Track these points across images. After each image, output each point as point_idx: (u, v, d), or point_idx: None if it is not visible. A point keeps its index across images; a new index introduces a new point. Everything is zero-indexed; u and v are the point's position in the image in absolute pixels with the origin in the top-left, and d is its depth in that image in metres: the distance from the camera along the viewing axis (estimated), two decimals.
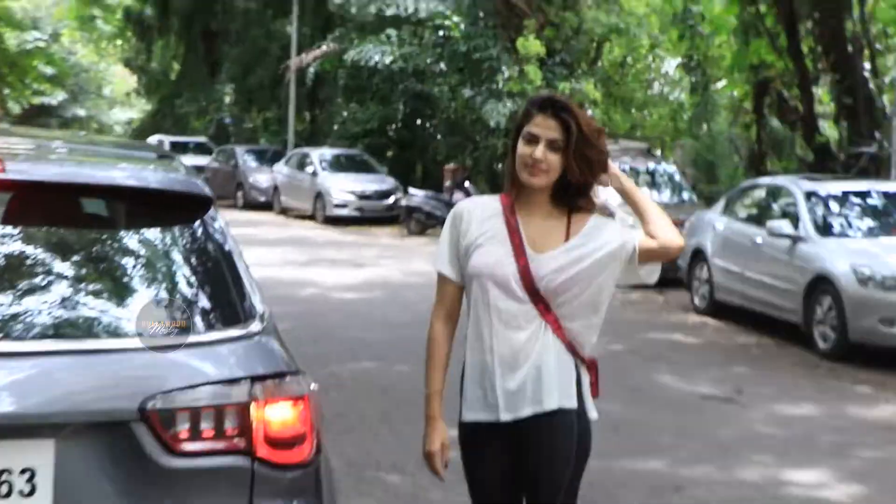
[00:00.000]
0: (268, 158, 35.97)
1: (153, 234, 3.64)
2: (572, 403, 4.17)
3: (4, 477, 3.05)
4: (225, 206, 33.76)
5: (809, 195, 14.08)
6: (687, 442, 8.99)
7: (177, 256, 3.63)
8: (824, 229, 13.57)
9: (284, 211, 32.62)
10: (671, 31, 27.42)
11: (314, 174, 31.11)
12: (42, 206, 3.53)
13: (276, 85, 41.35)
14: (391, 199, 29.89)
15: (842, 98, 21.07)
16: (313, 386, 3.52)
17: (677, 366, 12.19)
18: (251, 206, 34.17)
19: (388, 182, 30.94)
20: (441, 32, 29.31)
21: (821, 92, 22.23)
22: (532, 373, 4.11)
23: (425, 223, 27.09)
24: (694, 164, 25.12)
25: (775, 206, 14.70)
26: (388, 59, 29.93)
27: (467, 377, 4.24)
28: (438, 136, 33.91)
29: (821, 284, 12.85)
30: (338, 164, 31.77)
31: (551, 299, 4.12)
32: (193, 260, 3.63)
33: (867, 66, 21.56)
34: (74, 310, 3.36)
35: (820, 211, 13.90)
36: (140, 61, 54.41)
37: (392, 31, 30.13)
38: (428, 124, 34.72)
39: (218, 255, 3.64)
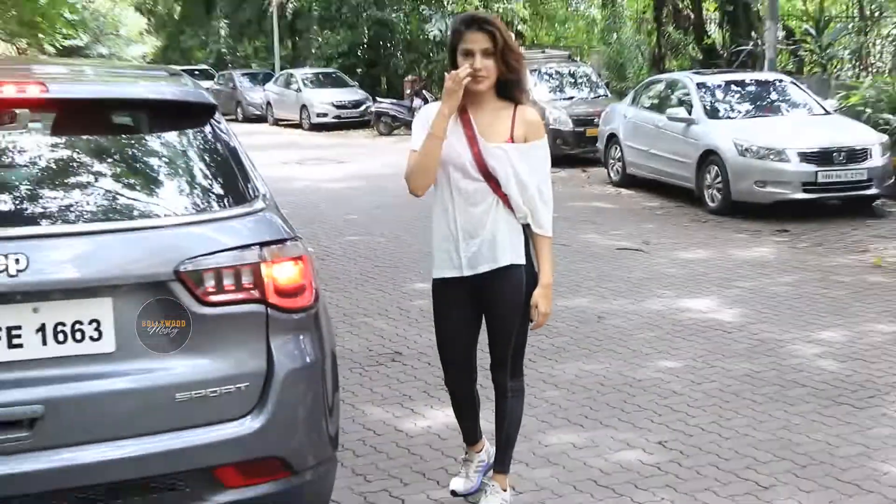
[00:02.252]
0: (260, 80, 35.45)
1: (172, 136, 3.60)
2: (521, 260, 4.22)
3: (77, 326, 3.11)
4: (227, 119, 33.33)
5: (700, 86, 14.20)
6: (606, 283, 9.24)
7: (193, 154, 3.60)
8: (712, 113, 13.75)
9: (276, 122, 32.08)
10: None
11: (299, 90, 30.71)
12: (80, 118, 3.53)
13: (262, 19, 40.83)
14: (363, 107, 29.66)
15: (725, 6, 21.13)
16: (310, 249, 3.56)
17: (598, 225, 12.35)
18: (248, 119, 33.61)
19: (359, 94, 30.72)
20: None
21: (707, 1, 22.32)
22: (488, 238, 4.17)
23: (392, 125, 27.14)
24: (607, 66, 25.04)
25: (673, 97, 14.57)
26: None
27: (435, 245, 4.32)
28: (398, 55, 33.61)
29: (709, 156, 13.06)
30: (318, 81, 31.34)
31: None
32: (206, 155, 3.60)
33: None
34: (116, 199, 3.39)
35: (708, 98, 14.01)
36: (148, 4, 53.39)
37: None
38: (389, 45, 34.29)
39: (226, 151, 3.61)
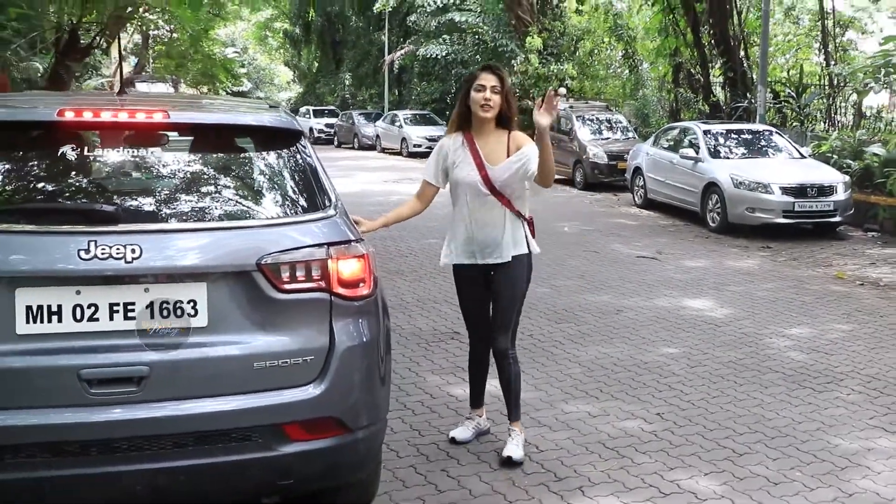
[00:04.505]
0: (372, 118, 34.98)
1: (264, 155, 3.40)
2: (523, 250, 4.23)
3: (179, 304, 2.95)
4: (346, 147, 34.05)
5: (706, 133, 13.73)
6: (625, 283, 8.84)
7: (280, 169, 3.37)
8: (714, 153, 13.28)
9: (383, 150, 31.58)
10: (610, 36, 27.29)
11: (400, 126, 30.37)
12: (197, 139, 3.38)
13: (376, 73, 41.25)
14: None
15: (727, 73, 20.49)
16: (371, 248, 3.30)
17: (623, 238, 11.97)
18: (362, 147, 33.26)
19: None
20: (477, 36, 28.56)
21: (714, 69, 21.88)
22: (497, 237, 4.19)
23: None
24: (635, 115, 24.39)
25: (685, 140, 14.04)
26: (444, 54, 29.60)
27: (455, 238, 4.32)
28: None
29: (711, 187, 12.70)
30: (415, 120, 30.96)
31: (503, 191, 4.17)
32: (291, 171, 3.36)
33: (742, 53, 21.08)
34: (213, 203, 3.20)
35: (712, 142, 13.52)
36: (294, 62, 54.28)
37: (446, 36, 29.60)
38: None
39: (307, 168, 3.35)
